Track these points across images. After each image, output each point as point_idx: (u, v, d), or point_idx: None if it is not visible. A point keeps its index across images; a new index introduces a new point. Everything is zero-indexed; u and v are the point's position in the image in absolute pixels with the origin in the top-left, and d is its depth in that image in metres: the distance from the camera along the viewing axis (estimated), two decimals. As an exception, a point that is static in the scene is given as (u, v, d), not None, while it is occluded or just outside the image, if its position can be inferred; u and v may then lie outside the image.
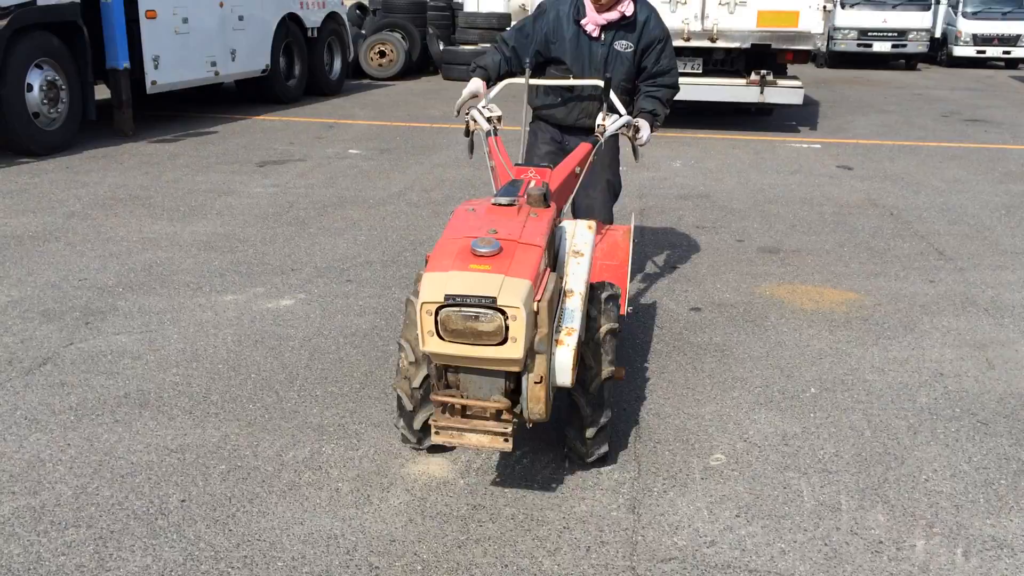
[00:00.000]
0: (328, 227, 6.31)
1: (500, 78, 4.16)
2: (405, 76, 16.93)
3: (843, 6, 20.90)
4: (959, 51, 22.04)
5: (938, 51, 22.84)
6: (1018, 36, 21.79)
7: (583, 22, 4.07)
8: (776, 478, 3.18)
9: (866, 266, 5.72)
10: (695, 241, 6.24)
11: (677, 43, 10.34)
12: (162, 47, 9.79)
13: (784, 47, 10.48)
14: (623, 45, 4.14)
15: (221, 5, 10.88)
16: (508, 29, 4.29)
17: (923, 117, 12.65)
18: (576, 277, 3.12)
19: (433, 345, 2.61)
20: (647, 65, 4.19)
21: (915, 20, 20.75)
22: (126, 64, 9.35)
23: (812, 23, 10.24)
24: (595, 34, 4.09)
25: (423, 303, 2.57)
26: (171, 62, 9.98)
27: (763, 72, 10.43)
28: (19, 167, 8.11)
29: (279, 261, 5.55)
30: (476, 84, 4.09)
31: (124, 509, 2.93)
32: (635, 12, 4.12)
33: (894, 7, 20.80)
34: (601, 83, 3.89)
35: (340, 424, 3.51)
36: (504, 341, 2.56)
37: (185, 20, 10.20)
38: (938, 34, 22.68)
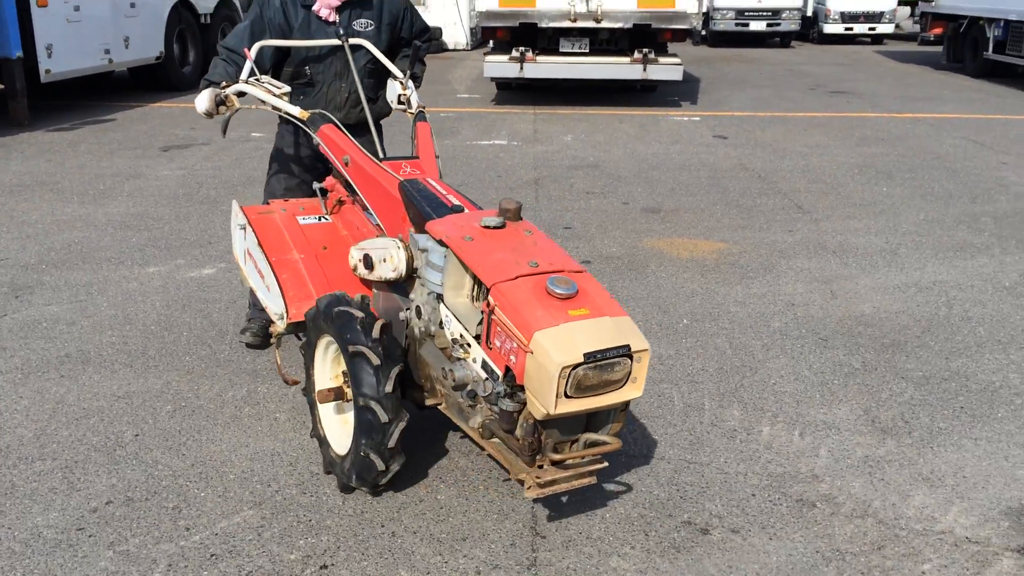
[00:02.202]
0: (240, 204, 6.63)
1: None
2: (300, 61, 17.04)
3: (721, -13, 21.95)
4: (829, 28, 23.41)
5: (810, 29, 24.18)
6: (882, 13, 23.27)
7: (315, 8, 3.77)
8: (653, 389, 3.76)
9: (735, 220, 6.41)
10: (586, 205, 6.82)
11: (564, 24, 10.99)
12: (55, 35, 9.79)
13: (663, 26, 11.18)
14: (363, 24, 3.88)
15: (113, -8, 10.90)
16: (231, 35, 3.82)
17: (792, 90, 13.62)
18: None
19: (563, 406, 2.31)
20: (404, 36, 4.01)
21: (787, 0, 21.96)
22: (19, 53, 9.33)
23: (688, 4, 10.96)
24: (330, 18, 3.80)
25: (562, 367, 2.25)
26: (64, 50, 9.98)
27: (645, 51, 11.11)
28: (-84, 158, 8.09)
29: (196, 236, 5.86)
30: (210, 92, 3.47)
31: (84, 444, 3.29)
32: None
33: (768, -12, 21.95)
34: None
35: (272, 369, 3.92)
36: (625, 383, 2.40)
37: (77, 8, 10.19)
38: (809, 13, 24.01)
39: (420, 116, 3.57)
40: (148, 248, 5.59)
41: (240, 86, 3.49)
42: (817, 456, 3.27)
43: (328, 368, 3.07)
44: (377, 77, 3.94)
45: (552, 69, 11.36)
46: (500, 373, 2.46)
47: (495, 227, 2.67)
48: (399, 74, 3.75)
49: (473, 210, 2.90)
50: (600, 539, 2.78)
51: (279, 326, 3.27)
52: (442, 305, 2.76)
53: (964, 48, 15.94)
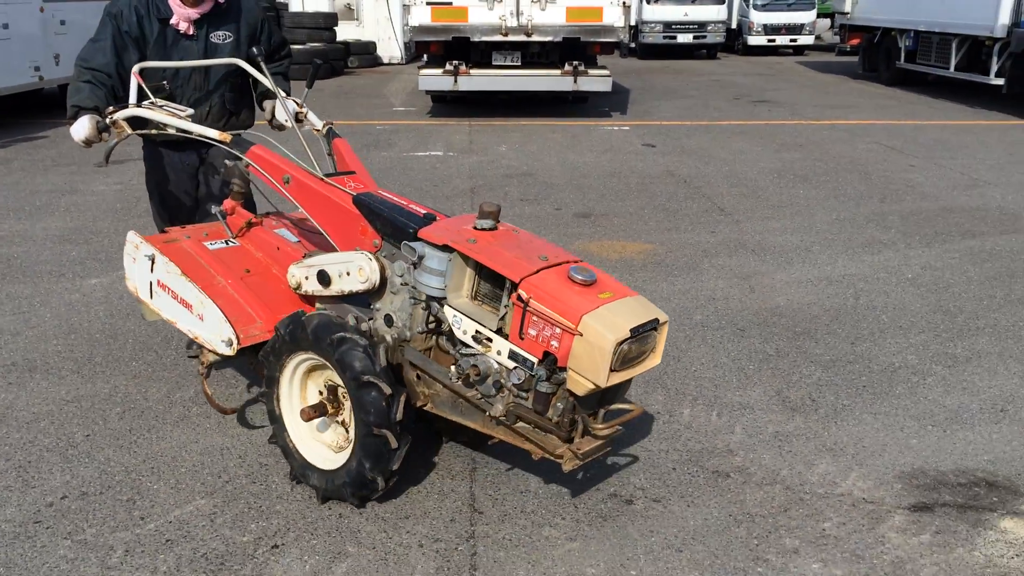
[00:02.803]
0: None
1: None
2: (234, 77, 17.03)
3: (648, 1, 22.58)
4: (753, 40, 24.21)
5: (735, 41, 24.96)
6: (802, 25, 24.16)
7: (173, 20, 3.66)
8: (582, 379, 4.00)
9: (662, 223, 6.73)
10: (520, 211, 7.07)
11: (495, 38, 11.28)
12: (-18, 53, 9.74)
13: (592, 40, 11.54)
14: (221, 36, 3.77)
15: (41, 10, 10.85)
16: (90, 52, 3.59)
17: (718, 100, 14.12)
18: None
19: (612, 379, 2.53)
20: (266, 48, 3.86)
21: (712, 13, 22.70)
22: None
23: (615, 17, 11.34)
24: (189, 31, 3.69)
25: (616, 343, 2.46)
26: (-7, 67, 9.93)
27: (575, 63, 11.45)
28: None
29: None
30: (89, 119, 3.36)
31: (36, 445, 3.40)
32: None
33: (693, 1, 22.66)
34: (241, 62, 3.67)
35: (219, 371, 4.06)
36: (649, 354, 2.67)
37: (5, 26, 10.15)
38: (734, 25, 24.79)
39: (332, 133, 3.48)
40: (88, 261, 5.67)
41: (134, 110, 3.31)
42: (732, 433, 3.55)
43: (297, 385, 3.08)
44: (238, 92, 3.88)
45: (485, 82, 11.63)
46: (535, 359, 2.61)
47: (489, 229, 2.81)
48: (280, 92, 3.59)
49: (442, 217, 2.97)
50: (533, 512, 3.01)
51: (221, 353, 3.11)
52: (446, 307, 2.81)
53: (878, 58, 16.70)
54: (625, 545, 2.84)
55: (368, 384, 2.73)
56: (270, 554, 2.78)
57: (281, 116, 3.72)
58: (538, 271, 2.65)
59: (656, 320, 2.62)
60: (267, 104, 3.84)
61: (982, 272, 5.54)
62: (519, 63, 11.82)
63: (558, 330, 2.54)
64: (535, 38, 11.43)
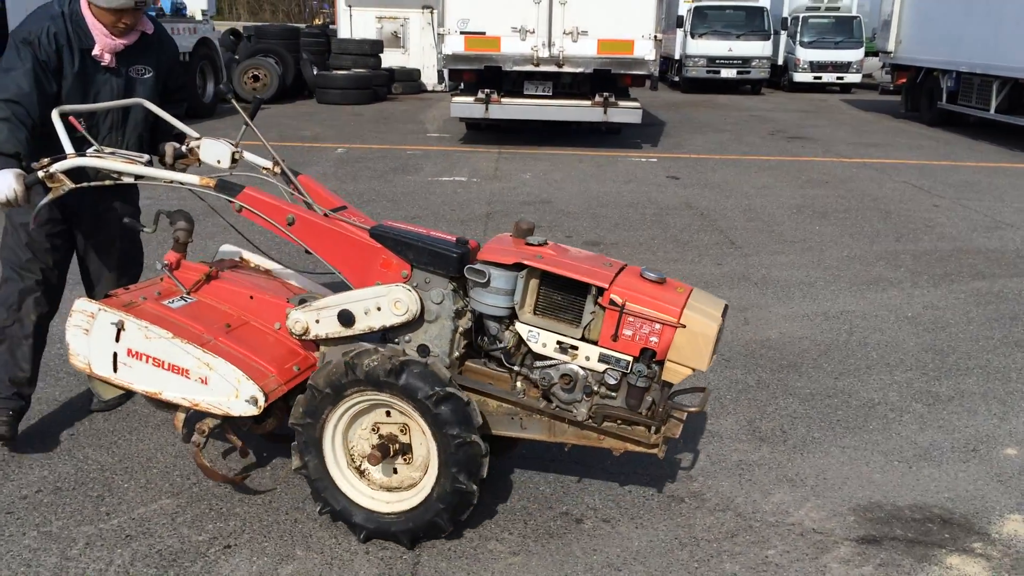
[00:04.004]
0: (206, 232, 6.93)
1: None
2: (280, 100, 17.50)
3: (693, 36, 22.67)
4: (799, 77, 24.11)
5: (781, 77, 24.90)
6: (850, 63, 24.02)
7: (95, 52, 3.31)
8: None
9: (670, 254, 6.77)
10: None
11: (527, 68, 11.47)
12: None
13: (623, 72, 11.66)
14: (140, 71, 3.46)
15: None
16: (3, 85, 3.15)
17: (752, 135, 14.12)
18: None
19: (709, 363, 2.80)
20: (171, 86, 3.67)
21: (757, 49, 22.68)
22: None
23: (646, 51, 11.45)
24: (112, 63, 3.37)
25: (718, 329, 2.74)
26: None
27: (606, 94, 11.58)
28: None
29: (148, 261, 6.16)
30: (12, 172, 3.01)
31: (20, 442, 3.55)
32: (153, 29, 3.51)
33: (738, 37, 22.68)
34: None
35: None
36: None
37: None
38: (780, 61, 24.74)
39: (290, 171, 3.22)
40: (106, 270, 5.88)
41: (80, 160, 3.01)
42: (696, 459, 3.58)
43: (340, 440, 2.93)
44: (150, 130, 3.58)
45: (516, 111, 11.80)
46: (630, 358, 2.79)
47: (540, 244, 2.94)
48: (176, 122, 3.45)
49: (472, 242, 2.98)
50: (483, 526, 3.07)
51: (241, 414, 2.89)
52: (518, 324, 2.89)
53: (920, 98, 16.55)
54: (567, 562, 2.89)
55: (445, 397, 2.72)
56: (221, 553, 2.89)
57: (210, 158, 3.28)
58: (616, 276, 2.83)
59: (727, 305, 2.89)
60: (165, 147, 3.49)
61: (984, 313, 5.48)
62: (550, 93, 11.98)
63: (658, 326, 2.74)
64: (566, 69, 11.59)
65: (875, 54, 25.77)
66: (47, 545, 2.90)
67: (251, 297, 3.22)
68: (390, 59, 20.11)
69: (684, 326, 2.72)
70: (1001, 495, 3.36)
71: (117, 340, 2.95)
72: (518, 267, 2.86)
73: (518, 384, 2.98)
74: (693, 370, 2.77)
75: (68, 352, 3.03)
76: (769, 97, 22.37)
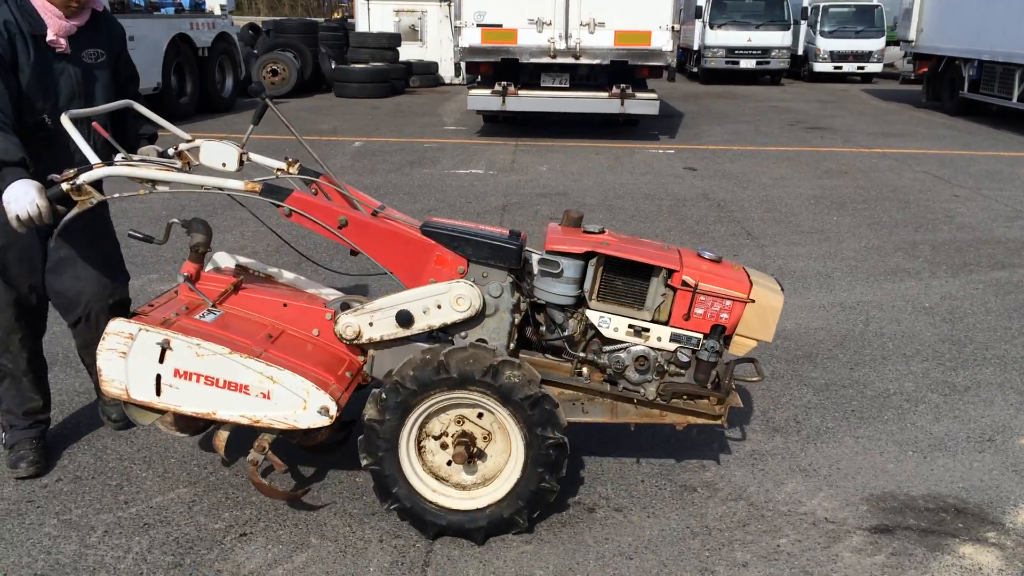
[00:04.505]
0: (218, 225, 7.00)
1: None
2: (298, 94, 17.58)
3: (711, 26, 22.53)
4: (819, 67, 23.90)
5: (801, 67, 24.71)
6: (870, 53, 23.79)
7: (49, 37, 2.96)
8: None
9: (685, 246, 6.72)
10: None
11: (544, 60, 11.45)
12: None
13: (640, 63, 11.62)
14: (92, 55, 3.10)
15: (112, 26, 11.38)
16: None
17: (771, 125, 14.03)
18: None
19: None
20: (122, 74, 3.34)
21: (776, 39, 22.51)
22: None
23: (663, 42, 11.40)
24: (67, 49, 3.01)
25: (783, 301, 2.97)
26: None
27: (623, 86, 11.54)
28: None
29: (172, 253, 6.23)
30: (31, 185, 2.73)
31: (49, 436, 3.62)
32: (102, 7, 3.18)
33: (757, 27, 22.52)
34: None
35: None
36: None
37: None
38: (800, 51, 24.55)
39: (310, 172, 3.16)
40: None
41: (112, 170, 2.81)
42: (709, 449, 3.58)
43: (414, 440, 2.88)
44: (117, 122, 3.29)
45: (533, 103, 11.80)
46: (700, 335, 2.95)
47: (599, 232, 3.05)
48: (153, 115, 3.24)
49: (523, 234, 3.06)
50: (495, 515, 3.09)
51: (312, 426, 2.78)
52: (588, 311, 2.99)
53: (942, 87, 16.37)
54: (578, 550, 2.91)
55: (541, 398, 2.75)
56: (237, 541, 2.93)
57: (214, 161, 2.96)
58: (683, 258, 2.98)
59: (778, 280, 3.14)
60: (146, 150, 3.29)
61: (1003, 304, 5.44)
62: (567, 85, 11.96)
63: (728, 303, 2.92)
64: (583, 61, 11.57)
65: (896, 43, 25.57)
66: (66, 533, 2.95)
67: (284, 304, 3.07)
68: (408, 52, 20.14)
69: (754, 301, 2.90)
70: (1016, 485, 3.34)
71: (161, 361, 2.76)
72: (586, 256, 2.94)
73: (584, 370, 3.09)
74: (758, 342, 2.97)
75: (100, 378, 2.81)
76: (789, 88, 22.21)
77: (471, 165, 10.07)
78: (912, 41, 17.10)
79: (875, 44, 23.72)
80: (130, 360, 2.77)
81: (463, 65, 13.01)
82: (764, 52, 22.59)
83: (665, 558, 2.87)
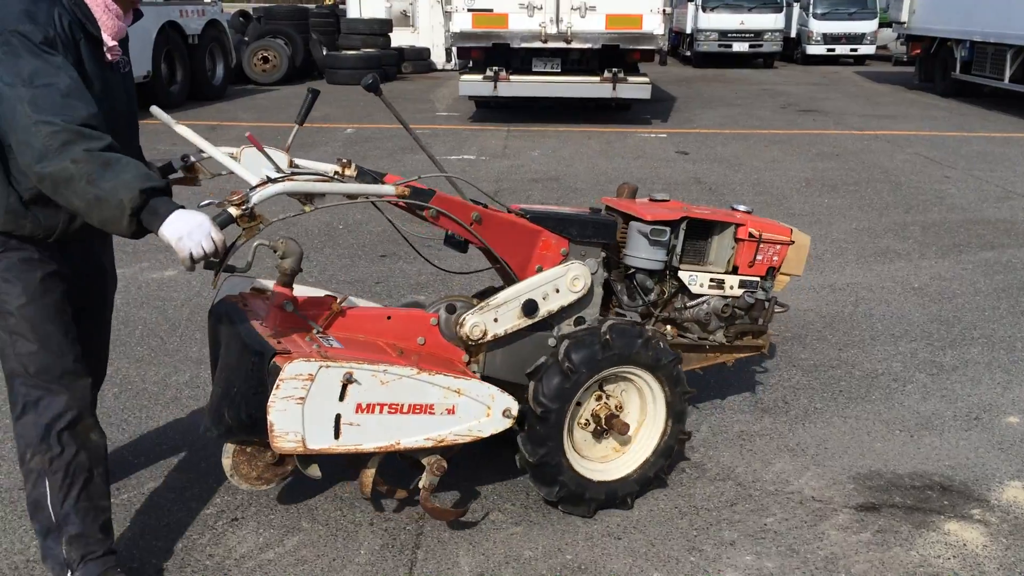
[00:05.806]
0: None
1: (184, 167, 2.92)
2: (290, 81, 17.50)
3: (704, 9, 22.46)
4: (812, 49, 23.88)
5: (794, 50, 24.66)
6: (863, 35, 23.77)
7: (109, 44, 2.41)
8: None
9: (676, 229, 6.76)
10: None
11: (535, 44, 11.42)
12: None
13: (631, 47, 11.60)
14: (125, 62, 2.56)
15: (101, 14, 11.32)
16: (71, 106, 2.13)
17: (763, 109, 14.03)
18: None
19: None
20: None
21: (769, 22, 22.45)
22: None
23: (654, 25, 11.38)
24: (117, 54, 2.47)
25: (810, 240, 3.60)
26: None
27: (614, 70, 11.52)
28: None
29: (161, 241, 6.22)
30: (200, 215, 2.23)
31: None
32: None
33: (749, 10, 22.46)
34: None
35: (215, 357, 4.26)
36: None
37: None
38: (793, 34, 24.50)
39: (368, 172, 2.98)
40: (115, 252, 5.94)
41: (285, 186, 2.45)
42: (698, 431, 3.61)
43: (574, 419, 2.97)
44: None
45: (525, 88, 11.77)
46: (759, 278, 3.41)
47: (663, 200, 3.40)
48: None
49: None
50: (485, 498, 3.12)
51: (493, 431, 2.71)
52: (680, 272, 3.32)
53: (935, 69, 16.37)
54: (567, 531, 2.93)
55: (678, 359, 3.06)
56: (228, 526, 2.95)
57: (260, 171, 2.60)
58: (740, 214, 3.44)
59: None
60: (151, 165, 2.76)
61: (992, 284, 5.47)
62: (559, 69, 11.93)
63: (778, 247, 3.40)
64: (575, 45, 11.54)
65: (889, 25, 25.54)
66: (59, 519, 2.97)
67: (388, 317, 2.89)
68: (399, 38, 20.05)
69: (794, 242, 3.41)
70: (1001, 463, 3.37)
71: (342, 399, 2.48)
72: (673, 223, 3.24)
73: (668, 328, 3.37)
74: (793, 276, 3.52)
75: (271, 435, 2.42)
76: (781, 71, 22.19)
77: (463, 151, 10.06)
78: (905, 23, 17.09)
79: (868, 26, 23.71)
80: (308, 404, 2.44)
81: (455, 50, 12.96)
82: (757, 35, 22.53)
83: (653, 537, 2.90)
